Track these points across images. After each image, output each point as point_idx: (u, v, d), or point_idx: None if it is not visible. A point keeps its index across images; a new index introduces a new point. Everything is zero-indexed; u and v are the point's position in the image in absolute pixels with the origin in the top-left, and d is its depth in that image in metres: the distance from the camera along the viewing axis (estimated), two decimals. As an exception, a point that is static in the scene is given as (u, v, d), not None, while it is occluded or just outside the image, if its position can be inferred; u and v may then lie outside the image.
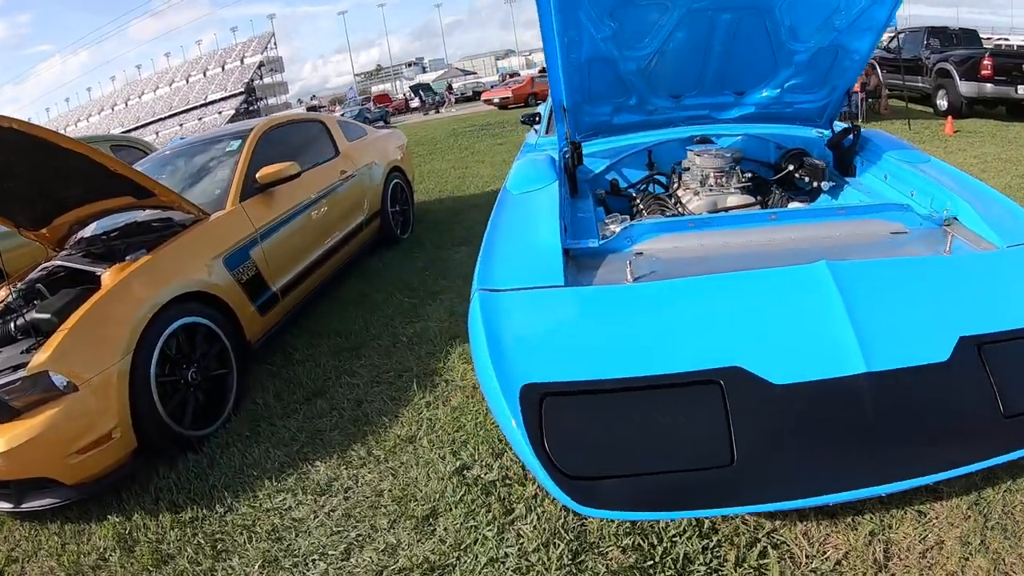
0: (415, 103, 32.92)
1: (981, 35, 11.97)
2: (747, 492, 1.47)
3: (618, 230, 2.32)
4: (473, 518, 1.99)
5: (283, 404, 2.95)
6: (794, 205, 2.87)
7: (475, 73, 47.82)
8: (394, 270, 4.69)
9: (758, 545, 1.73)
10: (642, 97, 3.01)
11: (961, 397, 1.57)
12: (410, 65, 71.75)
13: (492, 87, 29.66)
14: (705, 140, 3.18)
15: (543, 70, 30.73)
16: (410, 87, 38.46)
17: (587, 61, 2.61)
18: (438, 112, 27.71)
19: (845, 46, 2.75)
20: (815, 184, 3.00)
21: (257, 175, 3.47)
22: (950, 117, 8.44)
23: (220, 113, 54.88)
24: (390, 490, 2.21)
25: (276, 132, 4.16)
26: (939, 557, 1.64)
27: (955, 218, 2.28)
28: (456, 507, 2.05)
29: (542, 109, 4.56)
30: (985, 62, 8.64)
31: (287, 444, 2.61)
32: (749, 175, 3.05)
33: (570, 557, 1.77)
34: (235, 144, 3.84)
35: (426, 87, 34.33)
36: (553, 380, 1.58)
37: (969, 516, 1.73)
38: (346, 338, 3.59)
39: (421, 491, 2.17)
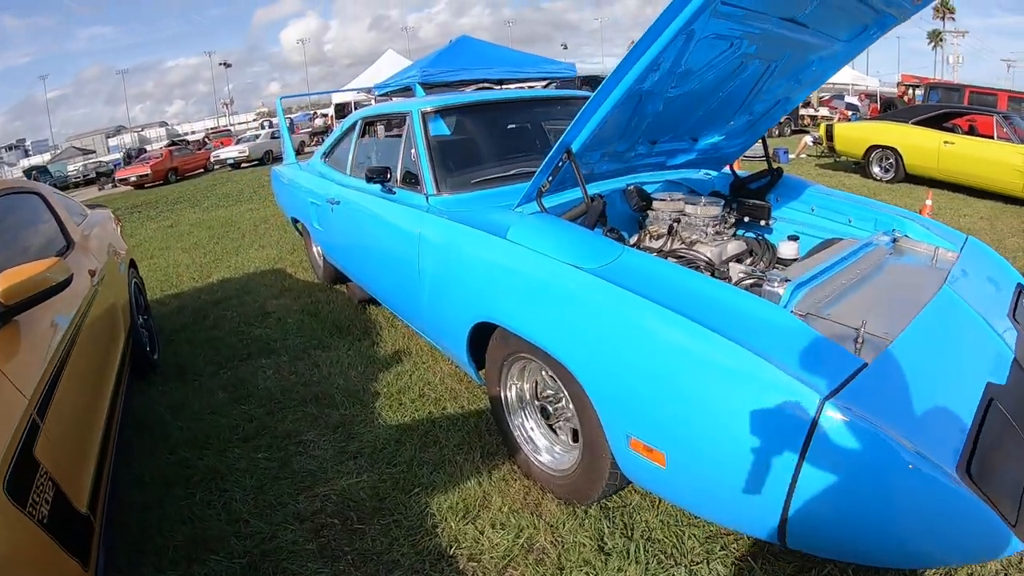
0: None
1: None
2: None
3: (782, 292, 1.77)
4: None
5: None
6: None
7: (94, 151, 38.87)
8: (187, 417, 3.00)
9: None
10: (633, 143, 2.48)
11: None
12: (11, 148, 55.19)
13: (117, 166, 24.39)
14: (639, 190, 2.81)
15: (173, 143, 27.01)
16: (25, 171, 29.48)
17: (623, 100, 1.98)
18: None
19: (790, 98, 2.73)
20: (762, 223, 2.91)
21: (-4, 289, 1.72)
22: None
23: None
24: None
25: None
26: None
27: (906, 235, 2.55)
28: None
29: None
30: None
31: None
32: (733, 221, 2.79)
33: None
34: None
35: (42, 170, 26.61)
36: None
37: None
38: None
39: None
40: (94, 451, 1.94)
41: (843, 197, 2.97)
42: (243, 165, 20.28)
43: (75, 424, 1.88)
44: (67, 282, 1.92)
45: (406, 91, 11.19)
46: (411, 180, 2.93)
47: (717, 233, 2.60)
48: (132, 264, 3.73)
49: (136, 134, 52.25)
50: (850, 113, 16.16)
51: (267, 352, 3.68)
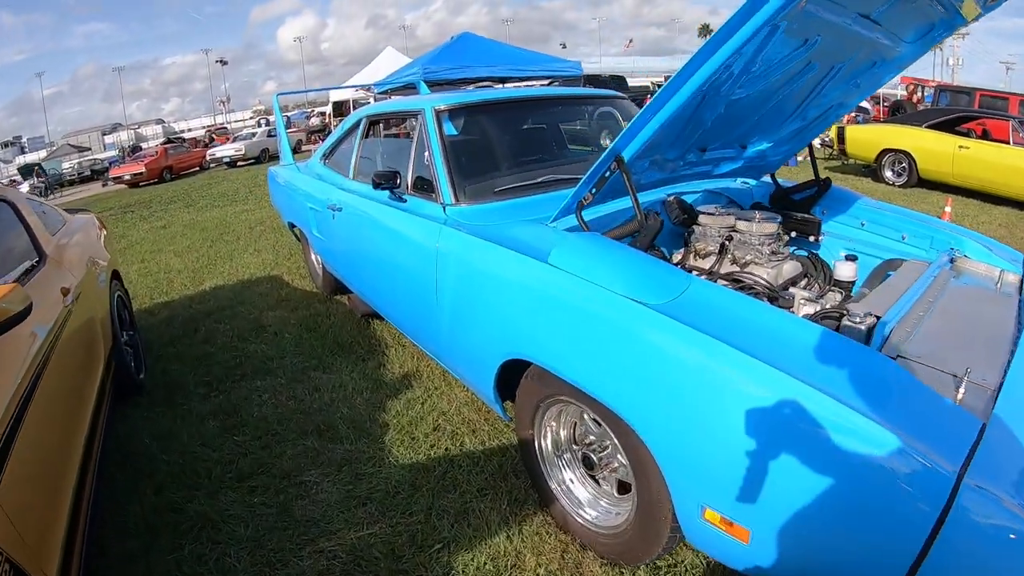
0: (24, 187, 24.09)
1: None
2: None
3: (864, 328, 1.53)
4: None
5: None
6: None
7: (90, 149, 38.20)
8: (174, 449, 2.68)
9: None
10: (684, 150, 2.19)
11: None
12: (7, 145, 54.43)
13: (113, 163, 23.81)
14: (680, 202, 2.51)
15: (169, 141, 26.34)
16: (20, 169, 28.61)
17: (688, 102, 1.68)
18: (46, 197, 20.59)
19: (845, 103, 2.47)
20: (811, 238, 2.64)
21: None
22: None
23: None
24: None
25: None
26: None
27: (964, 255, 2.34)
28: None
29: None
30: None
31: None
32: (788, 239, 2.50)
33: None
34: None
35: (39, 167, 26.02)
36: None
37: None
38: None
39: None
40: (65, 506, 1.63)
41: (895, 211, 2.71)
42: (239, 164, 19.88)
43: (41, 476, 1.57)
44: (26, 312, 1.60)
45: (407, 89, 10.84)
46: (424, 187, 2.62)
47: (773, 253, 2.30)
48: (115, 276, 3.40)
49: (132, 132, 51.66)
50: (856, 115, 15.86)
51: (263, 372, 3.35)
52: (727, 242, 2.30)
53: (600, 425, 1.82)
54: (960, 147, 8.24)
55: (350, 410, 2.86)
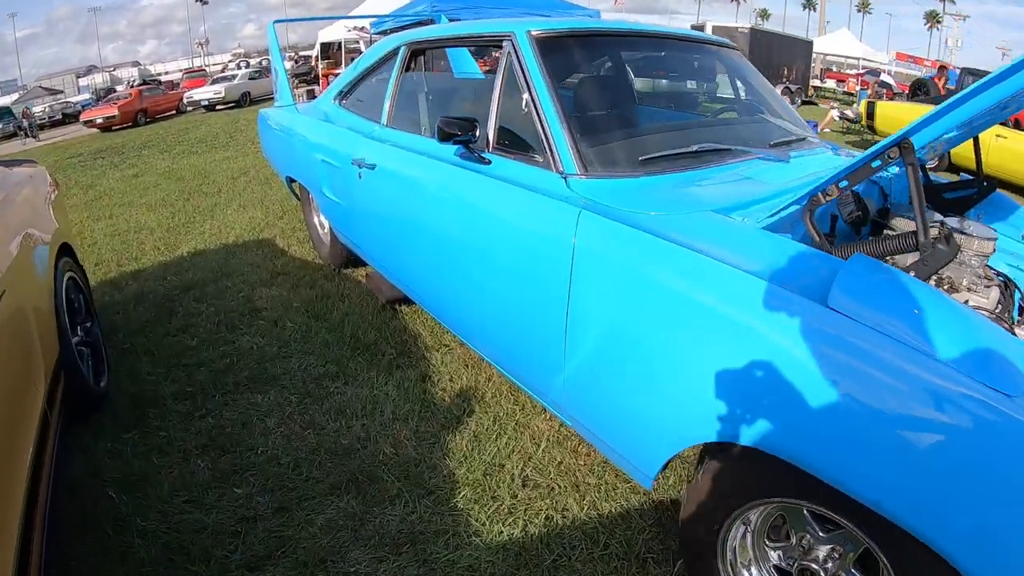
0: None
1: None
2: None
3: None
4: None
5: None
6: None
7: (62, 92, 35.33)
8: (150, 508, 1.83)
9: None
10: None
11: None
12: None
13: (85, 106, 21.71)
14: (856, 195, 1.71)
15: (142, 82, 23.86)
16: None
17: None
18: (36, 139, 18.63)
19: None
20: None
21: None
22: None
23: None
24: None
25: None
26: None
27: None
28: None
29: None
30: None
31: None
32: None
33: None
34: None
35: (5, 111, 23.76)
36: None
37: None
38: None
39: None
40: None
41: None
42: (219, 107, 18.30)
43: None
44: None
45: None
46: (516, 145, 1.77)
47: (986, 277, 1.52)
48: (66, 250, 2.46)
49: (108, 74, 48.71)
50: (879, 90, 14.93)
51: (262, 380, 2.50)
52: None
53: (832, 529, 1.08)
54: (997, 136, 7.61)
55: (395, 450, 2.03)
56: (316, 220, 3.87)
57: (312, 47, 24.66)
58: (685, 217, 1.35)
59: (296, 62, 26.24)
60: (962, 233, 1.56)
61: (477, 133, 1.79)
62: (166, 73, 47.13)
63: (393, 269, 2.66)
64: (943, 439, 0.87)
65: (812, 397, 0.99)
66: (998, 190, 2.15)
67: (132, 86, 22.76)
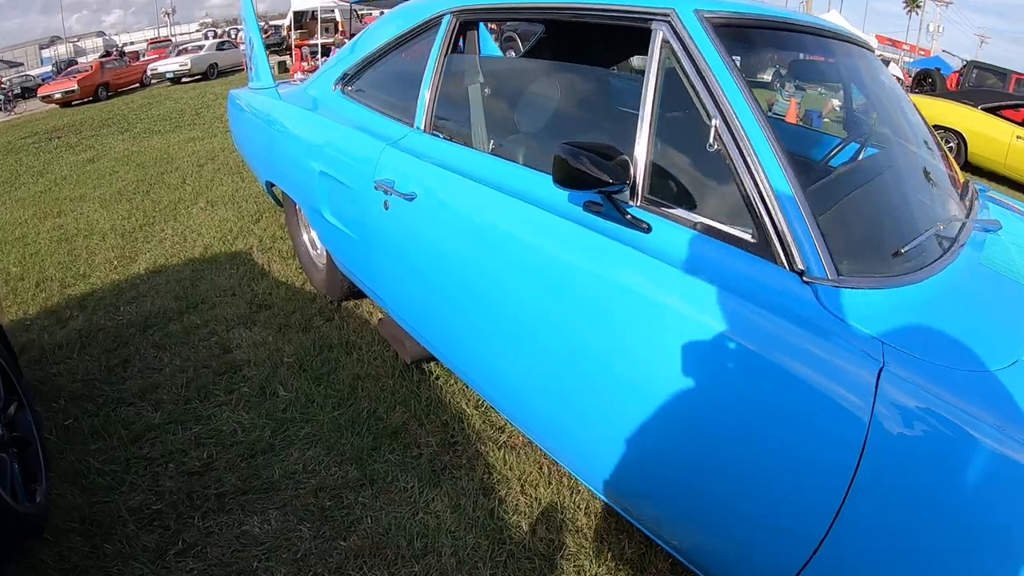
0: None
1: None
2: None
3: None
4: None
5: None
6: None
7: (22, 64, 32.59)
8: None
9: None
10: None
11: None
12: None
13: (45, 80, 19.76)
14: None
15: (104, 54, 21.55)
16: None
17: None
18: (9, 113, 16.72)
19: None
20: None
21: None
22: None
23: None
24: None
25: None
26: None
27: None
28: None
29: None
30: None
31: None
32: None
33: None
34: None
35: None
36: None
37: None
38: None
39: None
40: None
41: None
42: (184, 80, 16.84)
43: None
44: None
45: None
46: (686, 201, 1.05)
47: None
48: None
49: (72, 45, 45.47)
50: None
51: (256, 490, 1.73)
52: None
53: None
54: (1018, 137, 7.26)
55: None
56: (306, 237, 3.05)
57: (284, 16, 22.76)
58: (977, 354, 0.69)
59: (267, 32, 24.35)
60: None
61: (628, 178, 1.05)
62: (131, 43, 44.47)
63: (436, 341, 1.90)
64: None
65: None
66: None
67: (95, 59, 20.85)
